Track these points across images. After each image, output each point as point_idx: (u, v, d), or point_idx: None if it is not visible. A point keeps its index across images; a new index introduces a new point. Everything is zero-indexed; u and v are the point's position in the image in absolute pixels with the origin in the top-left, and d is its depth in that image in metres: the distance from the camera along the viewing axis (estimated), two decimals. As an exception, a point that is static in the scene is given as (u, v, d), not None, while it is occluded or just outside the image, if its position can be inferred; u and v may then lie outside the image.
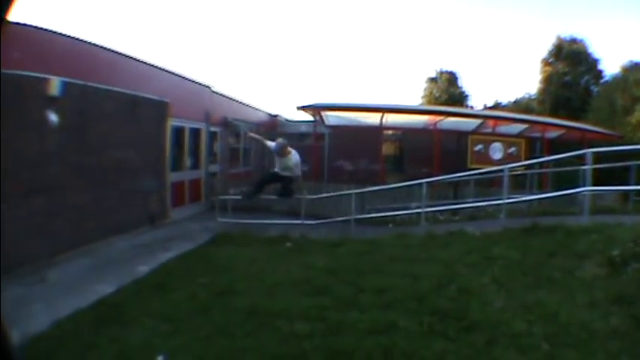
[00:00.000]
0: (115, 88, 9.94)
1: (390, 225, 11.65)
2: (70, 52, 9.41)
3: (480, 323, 4.42)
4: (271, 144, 9.59)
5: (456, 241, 8.02)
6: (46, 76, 7.79)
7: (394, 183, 14.43)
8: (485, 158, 19.39)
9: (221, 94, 17.45)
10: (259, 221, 11.74)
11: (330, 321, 4.68)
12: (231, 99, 18.73)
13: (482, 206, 11.76)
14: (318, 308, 5.08)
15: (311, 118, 22.07)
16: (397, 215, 11.99)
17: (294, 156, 9.42)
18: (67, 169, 8.42)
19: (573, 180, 12.03)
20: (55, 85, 7.85)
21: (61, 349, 4.55)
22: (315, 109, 20.15)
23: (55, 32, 8.91)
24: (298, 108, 19.83)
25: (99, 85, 9.35)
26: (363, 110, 20.31)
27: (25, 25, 8.08)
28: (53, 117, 6.16)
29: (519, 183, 16.72)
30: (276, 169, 9.70)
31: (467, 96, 42.62)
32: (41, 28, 8.55)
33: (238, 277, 6.69)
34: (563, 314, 4.57)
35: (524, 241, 7.51)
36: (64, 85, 8.07)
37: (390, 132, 23.86)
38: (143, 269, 7.60)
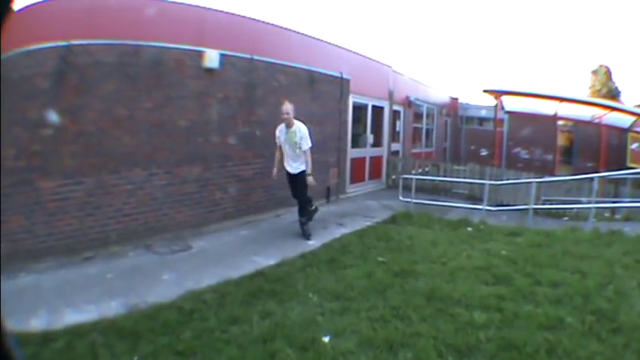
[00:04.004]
0: (289, 63, 9.36)
1: (566, 218, 10.80)
2: (249, 31, 9.16)
3: (625, 326, 3.99)
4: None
5: (616, 240, 7.30)
6: (202, 48, 7.38)
7: (564, 174, 14.73)
8: (638, 157, 18.71)
9: (402, 75, 16.44)
10: (440, 203, 11.15)
11: (507, 312, 4.25)
12: (412, 79, 17.60)
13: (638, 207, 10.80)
14: (497, 298, 4.61)
15: (489, 103, 22.02)
16: (571, 208, 11.23)
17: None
18: (231, 139, 7.99)
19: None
20: (211, 57, 7.39)
21: (193, 321, 4.08)
22: (498, 93, 19.91)
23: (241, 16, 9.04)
24: (484, 91, 20.10)
25: (270, 60, 8.81)
26: (544, 98, 19.85)
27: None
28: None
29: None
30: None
31: (619, 92, 39.05)
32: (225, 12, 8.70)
33: (419, 258, 6.09)
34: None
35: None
36: (223, 57, 7.59)
37: (561, 122, 22.24)
38: (313, 243, 6.98)
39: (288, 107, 7.15)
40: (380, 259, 6.03)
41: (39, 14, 6.06)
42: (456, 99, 23.72)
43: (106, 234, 6.15)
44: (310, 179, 7.20)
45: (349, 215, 9.34)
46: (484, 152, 21.90)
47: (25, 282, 4.93)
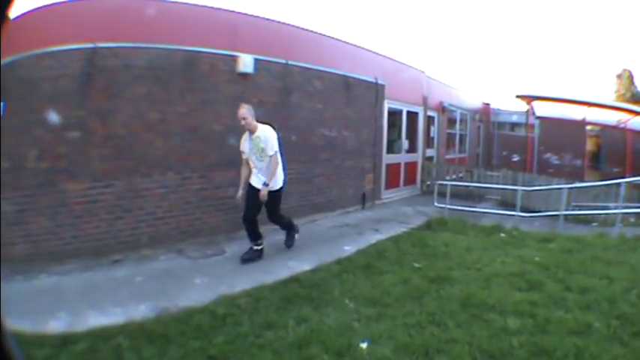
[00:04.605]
0: (324, 68, 9.27)
1: (595, 224, 10.76)
2: (288, 37, 9.31)
3: (645, 330, 4.01)
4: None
5: (640, 246, 7.34)
6: (236, 53, 7.31)
7: (593, 180, 14.73)
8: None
9: (436, 80, 16.38)
10: (474, 209, 11.46)
11: (539, 318, 4.23)
12: (445, 85, 17.53)
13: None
14: (530, 304, 4.59)
15: (520, 109, 22.11)
16: (600, 214, 11.18)
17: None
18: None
19: None
20: (245, 62, 7.33)
21: (226, 326, 3.97)
22: (530, 98, 20.00)
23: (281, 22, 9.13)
24: (517, 96, 20.41)
25: (305, 65, 8.73)
26: (573, 103, 19.99)
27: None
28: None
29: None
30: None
31: (641, 96, 39.75)
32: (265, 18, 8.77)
33: (454, 264, 6.04)
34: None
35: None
36: (257, 62, 7.54)
37: (589, 127, 22.24)
38: (349, 249, 6.80)
39: (242, 111, 5.85)
40: (416, 265, 5.98)
41: (63, 15, 6.01)
42: (488, 104, 23.52)
43: (137, 237, 6.05)
44: (264, 192, 5.84)
45: (384, 221, 9.23)
46: (516, 158, 21.78)
47: (44, 283, 4.87)
